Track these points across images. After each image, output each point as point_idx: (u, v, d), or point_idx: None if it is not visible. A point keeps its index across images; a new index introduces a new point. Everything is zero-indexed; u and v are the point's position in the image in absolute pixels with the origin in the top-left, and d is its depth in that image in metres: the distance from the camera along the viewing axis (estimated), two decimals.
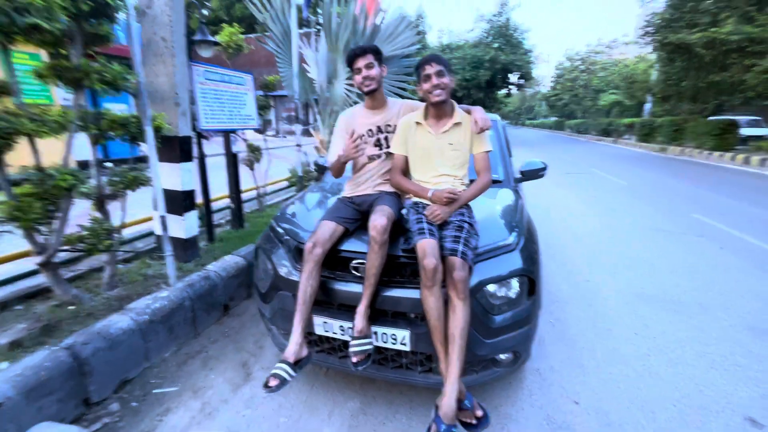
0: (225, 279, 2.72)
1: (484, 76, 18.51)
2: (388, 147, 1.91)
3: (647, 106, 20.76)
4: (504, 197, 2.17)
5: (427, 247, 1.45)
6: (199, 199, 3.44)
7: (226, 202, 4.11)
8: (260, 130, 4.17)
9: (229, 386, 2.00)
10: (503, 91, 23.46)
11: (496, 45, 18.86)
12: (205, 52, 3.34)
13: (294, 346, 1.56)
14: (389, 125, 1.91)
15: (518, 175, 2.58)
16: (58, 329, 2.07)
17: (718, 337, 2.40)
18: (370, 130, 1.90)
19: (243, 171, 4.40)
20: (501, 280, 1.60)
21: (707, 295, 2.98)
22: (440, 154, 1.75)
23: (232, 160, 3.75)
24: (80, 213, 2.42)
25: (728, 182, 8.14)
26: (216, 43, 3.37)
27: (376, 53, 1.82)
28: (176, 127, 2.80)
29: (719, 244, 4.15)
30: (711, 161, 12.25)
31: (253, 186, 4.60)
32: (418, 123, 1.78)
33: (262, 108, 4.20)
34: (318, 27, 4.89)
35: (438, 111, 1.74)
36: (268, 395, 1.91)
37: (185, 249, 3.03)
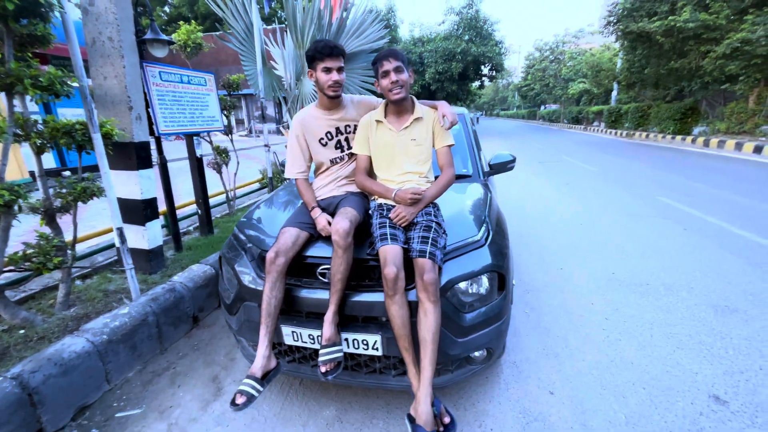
0: (192, 290, 2.61)
1: (457, 68, 18.58)
2: (349, 148, 1.84)
3: (614, 94, 21.48)
4: (472, 192, 2.15)
5: (388, 255, 1.41)
6: (163, 206, 3.29)
7: (195, 208, 3.95)
8: (227, 132, 4.00)
9: (198, 403, 1.91)
10: (476, 83, 23.66)
11: (466, 37, 18.96)
12: (159, 52, 3.15)
13: (261, 359, 1.49)
14: (348, 125, 1.83)
15: (487, 169, 2.57)
16: (7, 356, 1.92)
17: (684, 317, 2.48)
18: (329, 132, 1.82)
19: (212, 175, 4.25)
20: (470, 277, 1.58)
21: (673, 276, 3.08)
22: (404, 150, 1.70)
23: (197, 165, 3.59)
24: (30, 229, 2.25)
25: (690, 164, 8.51)
26: (170, 42, 3.19)
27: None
28: (131, 132, 2.64)
29: (683, 225, 4.32)
30: (674, 145, 12.79)
31: (222, 190, 4.44)
32: (378, 121, 1.72)
33: (227, 108, 4.04)
34: (283, 24, 4.74)
35: (398, 107, 1.70)
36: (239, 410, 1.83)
37: (149, 260, 2.88)
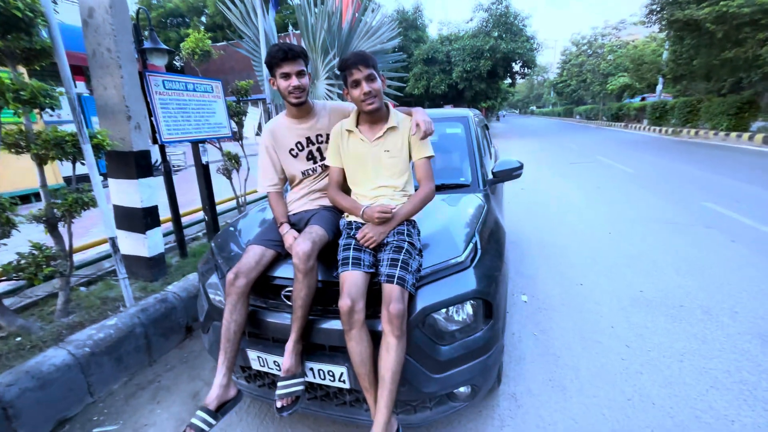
0: (186, 300, 2.58)
1: (485, 66, 17.94)
2: (322, 159, 1.71)
3: (659, 88, 19.95)
4: (466, 204, 1.95)
5: (345, 283, 1.26)
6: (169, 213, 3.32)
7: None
8: (235, 138, 4.01)
9: (174, 423, 1.85)
10: (507, 81, 22.82)
11: (495, 34, 18.29)
12: (158, 61, 3.19)
13: (216, 389, 1.39)
14: (320, 135, 1.70)
15: (491, 177, 2.35)
16: None
17: (723, 349, 2.14)
18: (299, 142, 1.69)
19: (224, 181, 4.28)
20: (450, 305, 1.39)
21: (714, 297, 2.69)
22: (377, 162, 1.54)
23: (203, 171, 3.60)
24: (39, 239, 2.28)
25: (745, 165, 7.65)
26: (170, 51, 3.22)
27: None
28: (130, 141, 2.66)
29: (731, 236, 3.82)
30: (727, 142, 11.65)
31: (232, 196, 4.46)
32: (349, 131, 1.57)
33: (236, 115, 4.05)
34: (296, 31, 4.72)
35: (371, 116, 1.54)
36: None
37: (150, 268, 2.90)
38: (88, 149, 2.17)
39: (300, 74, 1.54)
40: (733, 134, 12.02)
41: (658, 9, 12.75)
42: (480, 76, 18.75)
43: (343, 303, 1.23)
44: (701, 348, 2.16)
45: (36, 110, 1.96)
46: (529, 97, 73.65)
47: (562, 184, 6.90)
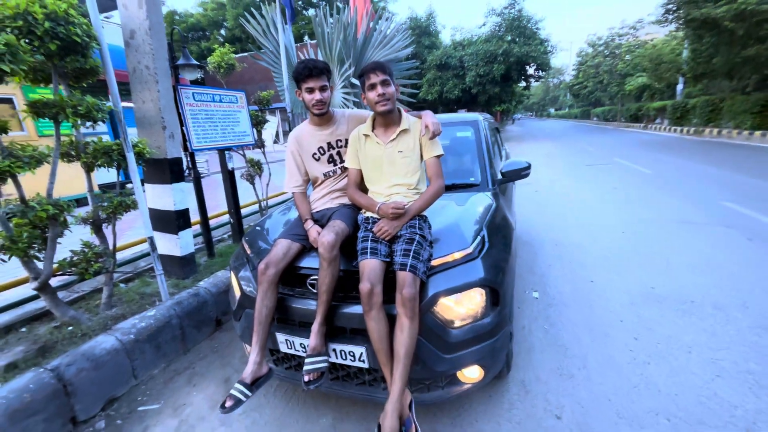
0: (216, 295, 2.78)
1: (499, 70, 18.01)
2: (342, 162, 1.88)
3: (679, 88, 19.52)
4: (475, 202, 2.08)
5: (365, 269, 1.42)
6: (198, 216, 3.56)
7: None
8: (258, 145, 4.25)
9: (208, 403, 2.04)
10: (521, 84, 22.75)
11: (509, 38, 18.35)
12: (190, 75, 3.45)
13: (251, 365, 1.57)
14: (340, 140, 1.88)
15: (500, 177, 2.48)
16: (54, 350, 2.19)
17: (732, 341, 2.18)
18: (321, 147, 1.88)
19: (245, 186, 4.53)
20: (459, 291, 1.52)
21: (726, 293, 2.72)
22: (391, 163, 1.70)
23: (229, 177, 3.84)
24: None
25: None
26: (200, 66, 3.48)
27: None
28: (165, 149, 2.91)
29: (749, 234, 3.80)
30: (752, 141, 11.33)
31: (254, 200, 4.70)
32: (366, 135, 1.74)
33: (259, 123, 4.29)
34: (312, 41, 4.96)
35: (385, 120, 1.71)
36: (244, 412, 1.92)
37: (182, 266, 3.13)
38: (131, 157, 2.41)
39: (323, 89, 1.73)
40: (758, 133, 11.70)
41: (675, 8, 12.58)
42: (494, 80, 18.81)
43: (364, 286, 1.38)
44: (710, 340, 2.21)
45: (89, 123, 2.20)
46: (545, 100, 72.88)
47: (578, 186, 6.91)
